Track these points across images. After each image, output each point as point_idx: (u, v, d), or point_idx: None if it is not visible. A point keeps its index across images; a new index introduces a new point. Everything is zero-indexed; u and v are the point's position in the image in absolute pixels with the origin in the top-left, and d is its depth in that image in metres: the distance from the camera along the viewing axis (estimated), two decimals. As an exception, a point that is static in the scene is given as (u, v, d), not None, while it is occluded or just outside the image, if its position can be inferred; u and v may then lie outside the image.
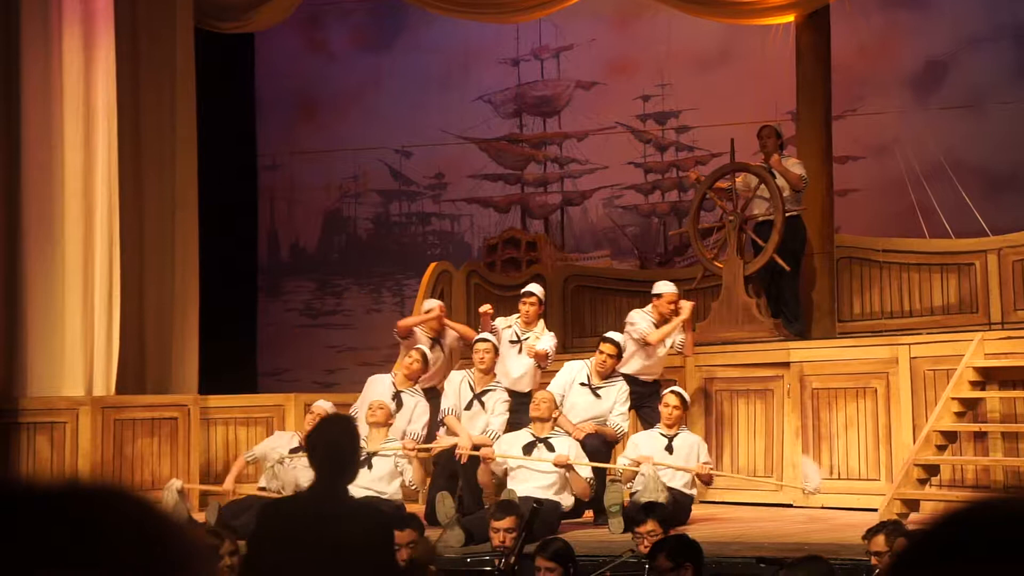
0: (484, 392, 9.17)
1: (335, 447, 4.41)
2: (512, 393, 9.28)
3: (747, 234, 10.66)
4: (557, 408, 8.65)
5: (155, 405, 10.71)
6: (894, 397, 9.28)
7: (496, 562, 6.56)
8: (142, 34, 11.36)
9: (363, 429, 8.78)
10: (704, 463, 8.66)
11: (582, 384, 9.06)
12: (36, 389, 10.21)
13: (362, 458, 8.46)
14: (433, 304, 10.26)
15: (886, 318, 11.16)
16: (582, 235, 15.51)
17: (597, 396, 9.02)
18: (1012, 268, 10.51)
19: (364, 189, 16.12)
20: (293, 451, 9.03)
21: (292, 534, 4.26)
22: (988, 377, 8.84)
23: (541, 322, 9.80)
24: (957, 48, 13.84)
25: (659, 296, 9.64)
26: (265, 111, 16.13)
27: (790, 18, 11.53)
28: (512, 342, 9.60)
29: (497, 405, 9.15)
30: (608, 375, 9.09)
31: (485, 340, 9.31)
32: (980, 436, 8.79)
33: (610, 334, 9.26)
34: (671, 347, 9.62)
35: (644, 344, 9.48)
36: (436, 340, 9.98)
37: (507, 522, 6.63)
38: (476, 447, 8.71)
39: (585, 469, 8.43)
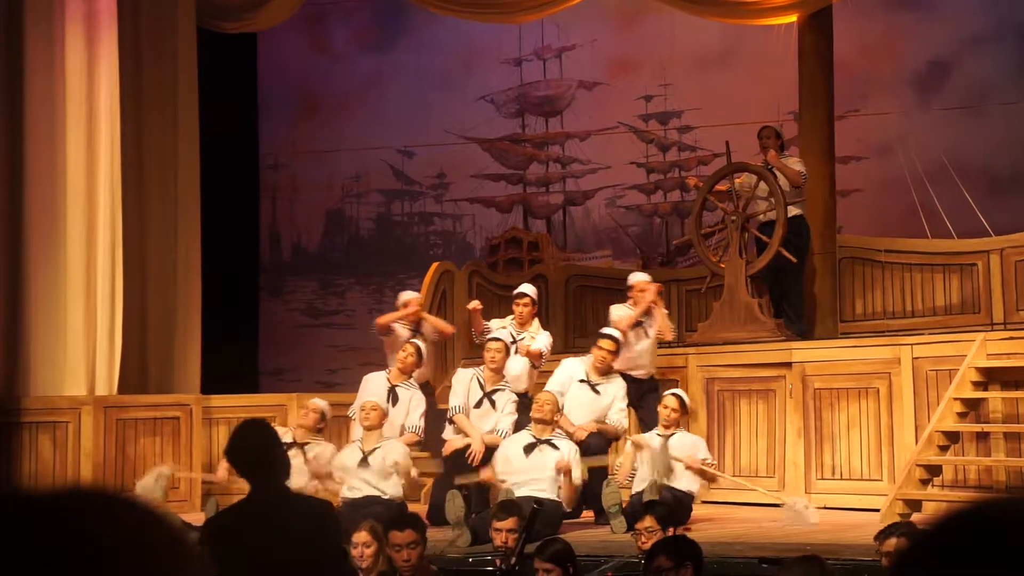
0: (494, 391, 9.13)
1: (254, 453, 4.46)
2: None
3: (750, 232, 10.66)
4: (559, 411, 8.61)
5: (157, 405, 10.72)
6: (896, 397, 9.28)
7: (498, 562, 6.56)
8: (145, 34, 11.36)
9: (357, 431, 8.76)
10: (704, 460, 8.64)
11: (581, 381, 9.04)
12: (38, 389, 10.21)
13: (359, 458, 8.49)
14: (409, 296, 10.27)
15: (888, 318, 11.16)
16: (584, 235, 15.51)
17: (596, 392, 9.00)
18: (1014, 268, 10.51)
19: (366, 189, 16.13)
20: (287, 445, 8.98)
21: (241, 543, 4.29)
22: (990, 377, 8.83)
23: (536, 322, 9.79)
24: (959, 48, 13.84)
25: (631, 287, 9.67)
26: (267, 111, 16.14)
27: (792, 18, 11.53)
28: (509, 343, 9.59)
29: (507, 405, 9.11)
30: (606, 371, 9.08)
31: (497, 339, 9.28)
32: (982, 436, 8.78)
33: (608, 330, 9.24)
34: (653, 337, 9.52)
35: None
36: (416, 331, 9.99)
37: (509, 522, 6.63)
38: (479, 461, 8.71)
39: (576, 473, 8.37)
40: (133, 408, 10.47)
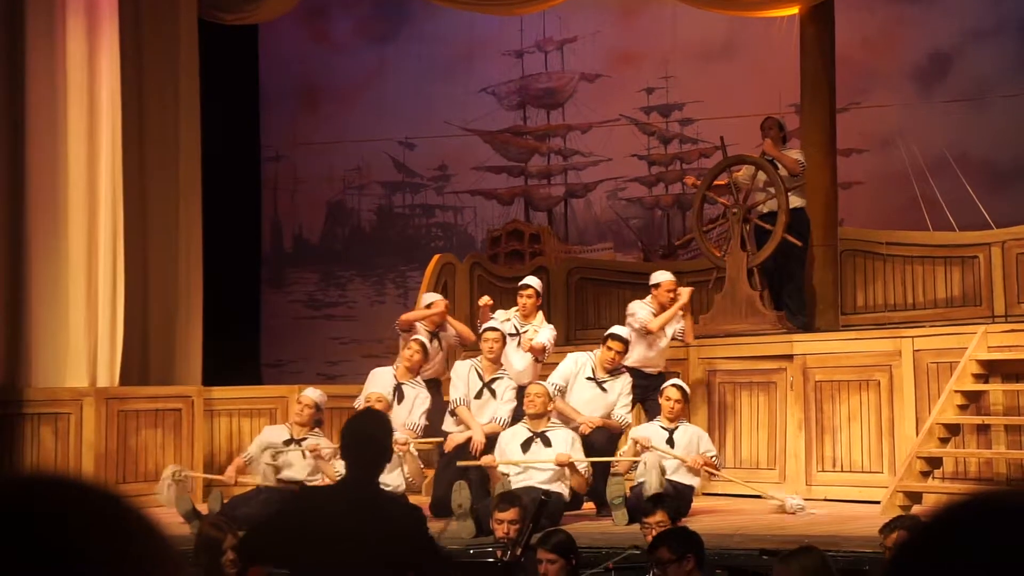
0: (493, 380, 9.15)
1: (370, 441, 4.43)
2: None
3: (752, 223, 10.65)
4: (551, 400, 8.62)
5: (159, 396, 10.72)
6: (897, 390, 9.28)
7: (499, 554, 6.57)
8: (146, 25, 11.35)
9: None
10: (705, 452, 8.67)
11: (588, 378, 9.07)
12: (40, 380, 10.22)
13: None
14: (435, 298, 10.21)
15: (889, 311, 11.16)
16: (586, 227, 15.51)
17: (603, 390, 9.04)
18: (1016, 261, 10.51)
19: (367, 181, 16.12)
20: (286, 442, 8.95)
21: (327, 524, 4.29)
22: (991, 370, 8.84)
23: (540, 314, 9.81)
24: (961, 41, 13.83)
25: (657, 285, 9.68)
26: (269, 102, 16.13)
27: (794, 10, 11.52)
28: (512, 335, 9.60)
29: (506, 392, 9.14)
30: (614, 370, 9.10)
31: (494, 329, 9.28)
32: (983, 429, 8.79)
33: (617, 329, 9.23)
34: (672, 336, 9.64)
35: (645, 333, 9.49)
36: (435, 334, 9.97)
37: (510, 514, 6.64)
38: (481, 453, 8.73)
39: (583, 464, 8.43)
40: (135, 400, 10.47)
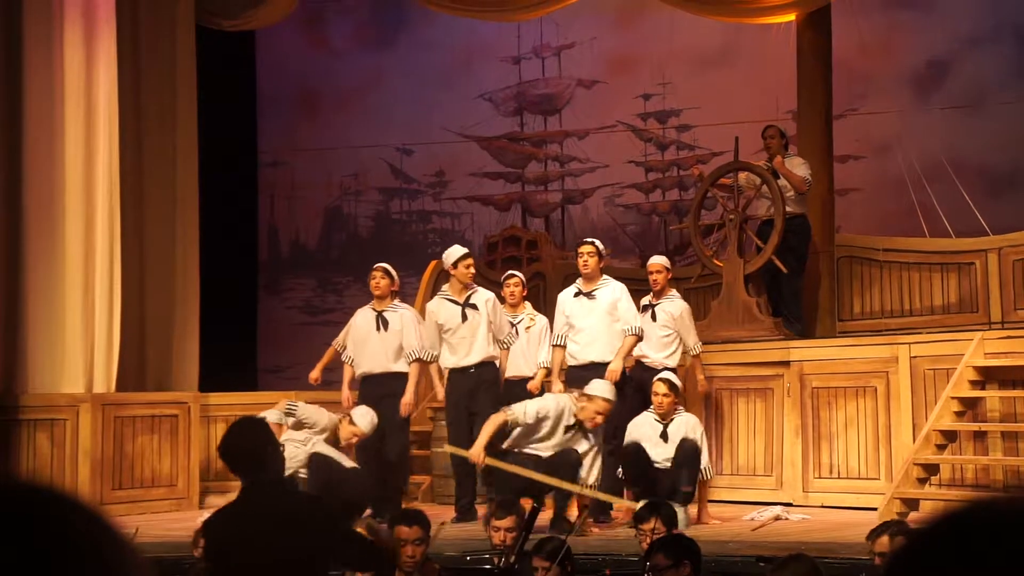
0: (470, 296, 9.08)
1: (249, 454, 4.54)
2: (517, 380, 9.25)
3: (747, 233, 10.67)
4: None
5: (155, 402, 10.71)
6: (894, 396, 9.28)
7: (495, 561, 6.56)
8: (143, 32, 11.35)
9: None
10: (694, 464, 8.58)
11: (575, 295, 8.91)
12: (37, 386, 10.20)
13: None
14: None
15: (886, 317, 11.17)
16: (583, 233, 15.46)
17: (592, 298, 8.85)
18: (1012, 267, 10.52)
19: (365, 187, 16.13)
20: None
21: (239, 542, 4.36)
22: (988, 376, 8.84)
23: (528, 305, 9.79)
24: (958, 47, 13.85)
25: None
26: (266, 108, 16.13)
27: (791, 17, 11.54)
28: None
29: (487, 305, 9.06)
30: (595, 275, 8.87)
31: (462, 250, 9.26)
32: (980, 435, 8.79)
33: (588, 240, 9.13)
34: (688, 349, 9.48)
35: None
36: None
37: (507, 521, 6.63)
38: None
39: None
40: (131, 406, 10.46)
